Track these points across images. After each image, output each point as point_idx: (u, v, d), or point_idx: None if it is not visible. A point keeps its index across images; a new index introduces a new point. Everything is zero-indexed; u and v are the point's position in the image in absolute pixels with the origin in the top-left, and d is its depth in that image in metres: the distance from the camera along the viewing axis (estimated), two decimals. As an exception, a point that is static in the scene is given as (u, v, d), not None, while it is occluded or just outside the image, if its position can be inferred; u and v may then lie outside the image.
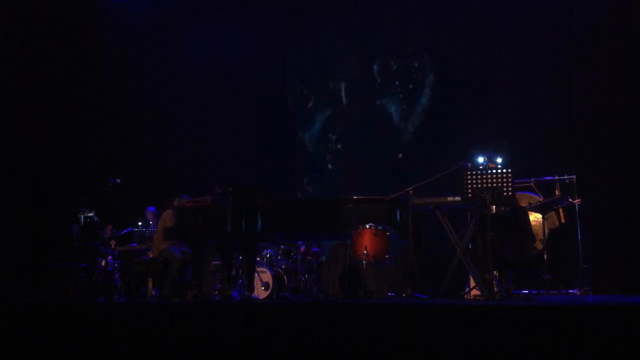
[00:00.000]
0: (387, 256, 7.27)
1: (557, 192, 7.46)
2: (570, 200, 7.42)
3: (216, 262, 8.73)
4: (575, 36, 9.13)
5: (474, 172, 6.56)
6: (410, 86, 10.54)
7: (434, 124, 10.26)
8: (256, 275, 8.22)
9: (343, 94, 11.06)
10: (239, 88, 11.43)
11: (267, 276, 8.53)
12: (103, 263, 9.06)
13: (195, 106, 11.54)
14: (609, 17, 8.93)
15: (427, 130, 10.31)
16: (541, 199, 7.38)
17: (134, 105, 11.40)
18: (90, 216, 9.01)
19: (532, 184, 7.56)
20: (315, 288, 8.79)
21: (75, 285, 9.02)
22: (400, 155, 10.46)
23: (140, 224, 9.43)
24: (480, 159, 6.86)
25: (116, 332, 5.99)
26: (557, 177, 7.58)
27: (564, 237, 7.57)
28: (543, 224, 7.29)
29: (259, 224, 7.58)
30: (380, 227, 7.29)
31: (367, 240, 7.23)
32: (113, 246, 9.20)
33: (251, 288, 7.75)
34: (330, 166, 10.93)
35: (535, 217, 7.43)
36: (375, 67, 10.84)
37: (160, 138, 11.45)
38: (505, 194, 6.43)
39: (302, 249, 9.02)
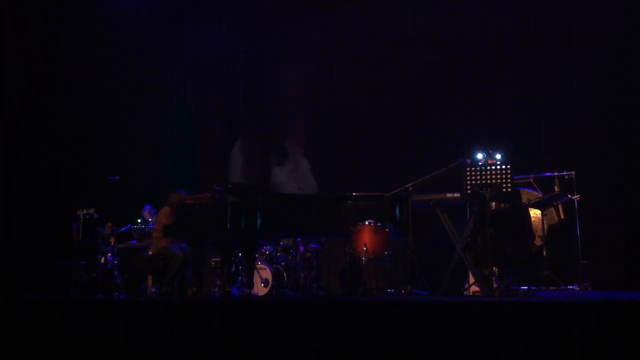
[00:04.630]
0: (386, 253, 7.27)
1: (556, 188, 7.46)
2: (569, 196, 7.43)
3: (216, 259, 8.74)
4: (574, 32, 9.15)
5: (473, 169, 6.57)
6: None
7: (433, 121, 10.25)
8: (256, 272, 8.23)
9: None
10: (238, 85, 11.43)
11: (266, 273, 8.54)
12: (102, 260, 9.07)
13: (195, 104, 11.55)
14: (608, 15, 8.94)
15: (426, 127, 10.30)
16: (540, 195, 7.38)
17: (134, 103, 11.39)
18: (89, 213, 9.01)
19: (531, 180, 7.57)
20: (315, 285, 8.80)
21: (75, 283, 9.02)
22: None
23: (139, 221, 9.44)
24: (480, 155, 6.86)
25: (116, 330, 5.99)
26: (556, 173, 7.58)
27: (563, 234, 7.57)
28: (542, 220, 7.30)
29: (259, 221, 7.58)
30: (380, 224, 7.29)
31: (366, 237, 7.24)
32: (112, 243, 9.21)
33: (251, 285, 7.76)
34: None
35: (534, 213, 7.44)
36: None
37: (160, 136, 11.45)
38: (504, 190, 6.43)
39: (302, 246, 9.03)
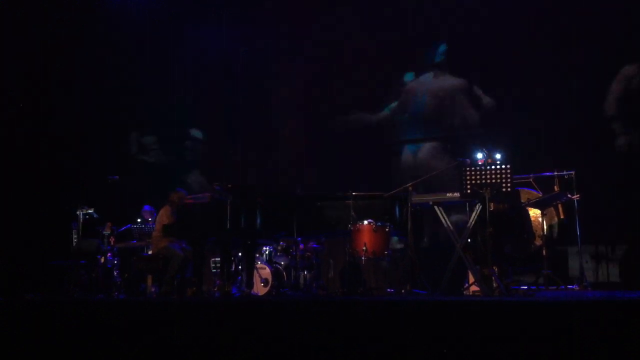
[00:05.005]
0: (386, 252, 7.27)
1: (556, 188, 7.46)
2: (569, 196, 7.43)
3: (216, 259, 8.74)
4: (574, 32, 9.16)
5: (473, 168, 6.57)
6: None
7: (432, 121, 10.26)
8: (255, 271, 8.23)
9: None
10: (238, 85, 11.43)
11: (266, 272, 8.54)
12: (102, 260, 9.06)
13: (195, 104, 11.56)
14: (608, 15, 8.95)
15: (426, 126, 10.31)
16: (540, 195, 7.38)
17: (134, 103, 11.40)
18: (89, 213, 9.00)
19: (531, 180, 7.57)
20: (315, 284, 8.80)
21: (75, 283, 9.01)
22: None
23: (139, 220, 9.43)
24: (479, 155, 6.86)
25: (116, 329, 5.99)
26: (556, 173, 7.58)
27: (563, 233, 7.58)
28: (542, 219, 7.30)
29: (258, 220, 7.58)
30: (380, 224, 7.29)
31: (366, 237, 7.24)
32: (112, 243, 9.20)
33: (250, 284, 7.76)
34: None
35: (534, 213, 7.44)
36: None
37: (159, 134, 11.46)
38: (504, 189, 6.43)
39: (302, 245, 9.03)
